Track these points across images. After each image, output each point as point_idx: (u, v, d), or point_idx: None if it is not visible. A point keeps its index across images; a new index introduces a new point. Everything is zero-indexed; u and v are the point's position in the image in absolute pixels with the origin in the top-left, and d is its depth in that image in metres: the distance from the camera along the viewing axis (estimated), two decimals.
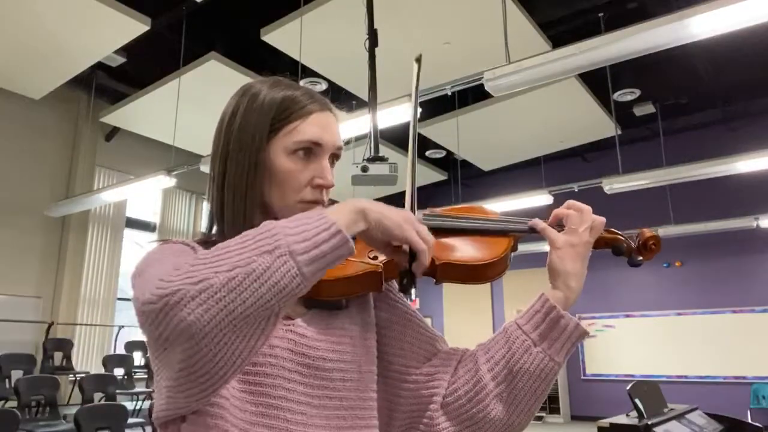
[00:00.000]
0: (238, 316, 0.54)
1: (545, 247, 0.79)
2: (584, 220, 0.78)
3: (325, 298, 0.75)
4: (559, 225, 0.80)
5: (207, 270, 0.55)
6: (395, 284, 0.86)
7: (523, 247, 0.93)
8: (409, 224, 0.65)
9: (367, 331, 0.80)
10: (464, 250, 0.78)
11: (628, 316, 9.27)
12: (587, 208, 0.79)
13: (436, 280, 0.77)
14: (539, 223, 0.80)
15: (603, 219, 0.79)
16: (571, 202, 0.80)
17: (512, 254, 0.81)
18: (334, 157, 0.79)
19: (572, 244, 0.77)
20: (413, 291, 0.69)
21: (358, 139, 4.56)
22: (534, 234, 0.82)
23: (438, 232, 0.79)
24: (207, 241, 0.77)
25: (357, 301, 0.81)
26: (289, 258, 0.56)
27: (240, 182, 0.74)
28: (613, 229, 0.81)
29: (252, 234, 0.58)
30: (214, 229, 0.79)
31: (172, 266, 0.58)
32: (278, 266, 0.56)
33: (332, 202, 0.81)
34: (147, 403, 6.16)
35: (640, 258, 0.80)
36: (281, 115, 0.75)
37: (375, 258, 0.76)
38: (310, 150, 0.75)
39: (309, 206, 0.75)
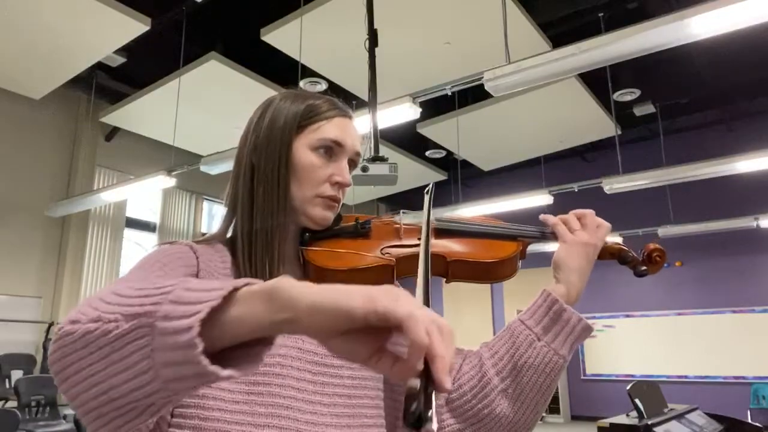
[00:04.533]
0: (86, 376, 0.46)
1: (545, 248, 0.80)
2: (590, 223, 0.81)
3: None
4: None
5: (89, 310, 0.48)
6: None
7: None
8: (390, 297, 0.41)
9: None
10: (475, 249, 0.80)
11: (628, 316, 9.28)
12: (591, 212, 0.82)
13: (447, 278, 0.78)
14: (550, 217, 0.83)
15: (608, 224, 0.82)
16: (577, 211, 0.83)
17: (520, 261, 0.83)
18: (352, 162, 0.82)
19: (583, 242, 0.79)
20: (433, 421, 0.38)
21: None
22: (542, 240, 0.84)
23: (449, 234, 0.82)
24: (209, 241, 0.78)
25: None
26: (148, 330, 0.44)
27: (272, 175, 0.76)
28: (619, 242, 0.85)
29: (156, 286, 0.47)
30: (229, 232, 0.80)
31: (113, 290, 0.51)
32: (134, 337, 0.44)
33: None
34: None
35: (645, 268, 0.82)
36: (307, 115, 0.79)
37: (388, 253, 0.77)
38: (331, 149, 0.79)
39: (327, 201, 0.78)
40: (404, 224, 0.83)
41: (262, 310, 0.42)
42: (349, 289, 0.42)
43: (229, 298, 0.44)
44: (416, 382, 0.40)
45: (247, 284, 0.44)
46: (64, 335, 0.48)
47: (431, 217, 0.77)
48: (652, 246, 0.82)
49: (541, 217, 0.83)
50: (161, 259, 0.70)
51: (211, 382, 0.43)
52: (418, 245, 0.78)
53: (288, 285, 0.42)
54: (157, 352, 0.43)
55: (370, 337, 0.42)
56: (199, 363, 0.41)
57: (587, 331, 0.77)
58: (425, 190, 0.82)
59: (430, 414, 0.38)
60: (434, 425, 0.38)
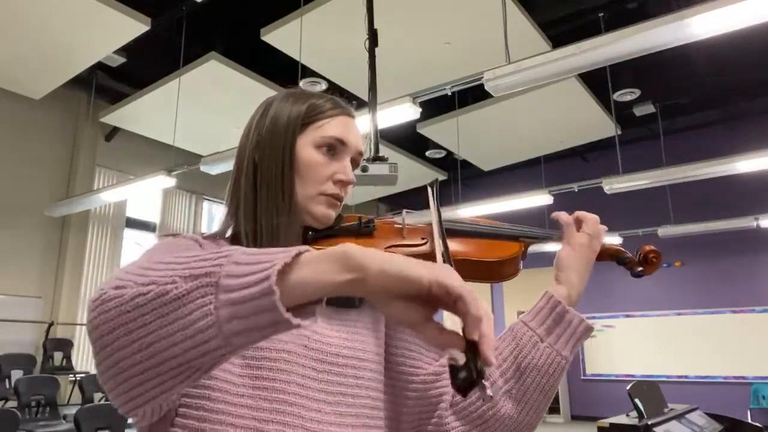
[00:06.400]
0: (136, 339, 0.47)
1: (544, 248, 0.80)
2: (595, 229, 0.83)
3: None
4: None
5: (133, 277, 0.49)
6: None
7: None
8: (449, 273, 0.47)
9: (379, 330, 0.81)
10: (479, 249, 0.81)
11: (628, 316, 9.28)
12: (594, 218, 0.84)
13: None
14: (563, 215, 0.85)
15: (604, 227, 0.85)
16: (580, 213, 0.85)
17: (522, 261, 0.84)
18: (354, 161, 0.82)
19: (586, 244, 0.82)
20: (486, 387, 0.44)
21: None
22: (543, 240, 0.85)
23: (451, 234, 0.81)
24: (214, 237, 0.78)
25: None
26: (212, 290, 0.45)
27: (276, 173, 0.76)
28: (616, 244, 0.88)
29: (212, 252, 0.49)
30: (229, 231, 0.79)
31: (139, 265, 0.52)
32: (196, 296, 0.45)
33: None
34: None
35: (641, 269, 0.84)
36: (310, 114, 0.78)
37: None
38: (334, 147, 0.78)
39: (330, 199, 0.78)
40: (407, 224, 0.82)
41: (330, 270, 0.45)
42: (410, 260, 0.46)
43: (296, 259, 0.46)
44: (460, 354, 0.45)
45: (307, 250, 0.47)
46: (108, 299, 0.48)
47: (439, 213, 0.76)
48: (647, 248, 0.85)
49: (554, 214, 0.85)
50: (169, 249, 0.69)
51: (280, 331, 0.45)
52: (421, 245, 0.78)
53: (357, 249, 0.46)
54: (223, 307, 0.44)
55: (424, 306, 0.47)
56: (276, 309, 0.43)
57: (588, 331, 0.79)
58: (429, 183, 0.82)
59: (483, 382, 0.44)
60: (488, 391, 0.44)
